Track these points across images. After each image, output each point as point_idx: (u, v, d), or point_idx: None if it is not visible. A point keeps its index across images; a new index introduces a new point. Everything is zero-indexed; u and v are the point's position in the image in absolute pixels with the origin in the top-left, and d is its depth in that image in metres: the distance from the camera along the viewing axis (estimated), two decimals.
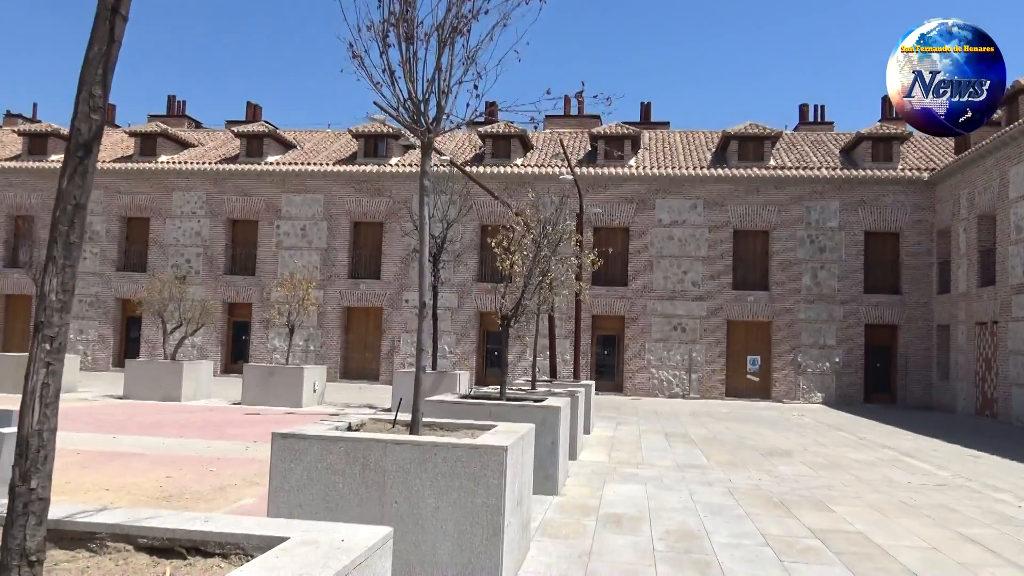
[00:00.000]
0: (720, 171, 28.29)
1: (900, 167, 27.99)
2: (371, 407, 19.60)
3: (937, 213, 27.14)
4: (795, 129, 34.02)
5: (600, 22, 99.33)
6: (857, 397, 27.16)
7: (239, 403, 19.01)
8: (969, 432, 18.59)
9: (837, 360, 27.33)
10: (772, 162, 28.89)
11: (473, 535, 4.84)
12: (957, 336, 25.11)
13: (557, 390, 12.45)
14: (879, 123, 29.38)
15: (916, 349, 27.12)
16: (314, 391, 19.38)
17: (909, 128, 27.84)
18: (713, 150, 30.67)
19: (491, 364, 29.61)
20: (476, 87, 5.85)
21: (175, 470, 9.31)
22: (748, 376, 28.00)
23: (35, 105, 38.33)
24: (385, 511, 4.87)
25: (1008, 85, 24.43)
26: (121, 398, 19.32)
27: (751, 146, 29.13)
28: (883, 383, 27.63)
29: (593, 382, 16.42)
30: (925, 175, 27.27)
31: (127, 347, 31.45)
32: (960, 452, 14.47)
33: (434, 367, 19.23)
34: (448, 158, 17.77)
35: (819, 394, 27.31)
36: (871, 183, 27.64)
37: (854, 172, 27.58)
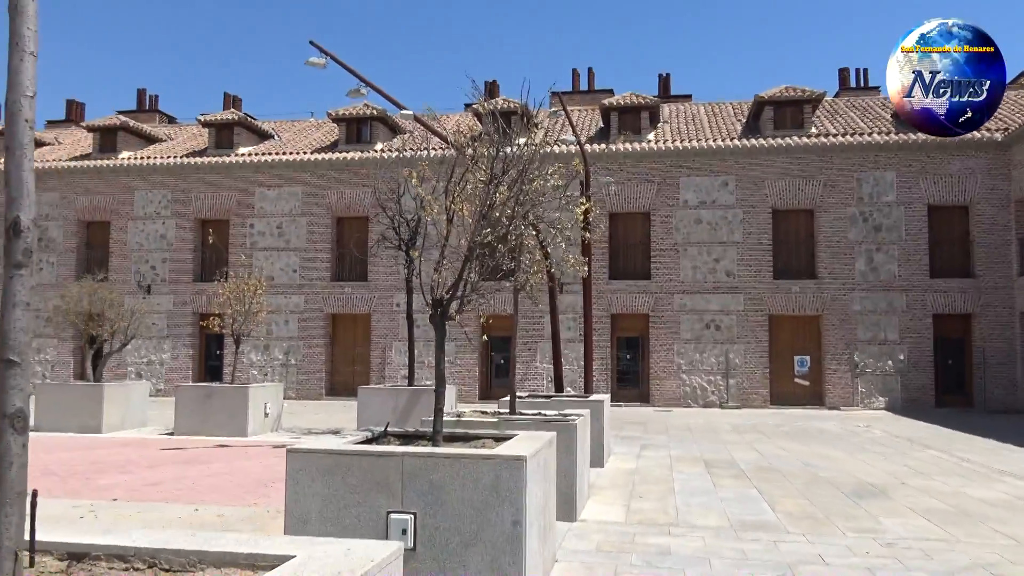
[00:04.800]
0: (754, 142, 24.31)
1: None
2: (336, 432, 15.87)
3: (1015, 180, 22.94)
4: (835, 96, 29.91)
5: None
6: (927, 401, 22.99)
7: (171, 433, 15.37)
8: None
9: (901, 358, 23.18)
10: (813, 130, 24.86)
11: None
12: None
13: (549, 414, 8.62)
14: None
15: (995, 341, 22.90)
16: (265, 415, 15.69)
17: None
18: (744, 120, 26.70)
19: (497, 375, 25.83)
20: None
21: None
22: (796, 380, 23.92)
23: None
24: None
25: None
26: (32, 430, 15.74)
27: (788, 112, 25.11)
28: (957, 383, 23.44)
29: (607, 396, 12.60)
30: (998, 136, 23.10)
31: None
32: None
33: (410, 382, 15.50)
34: (410, 112, 14.11)
35: (881, 398, 23.18)
36: (933, 149, 23.52)
37: (912, 137, 23.48)
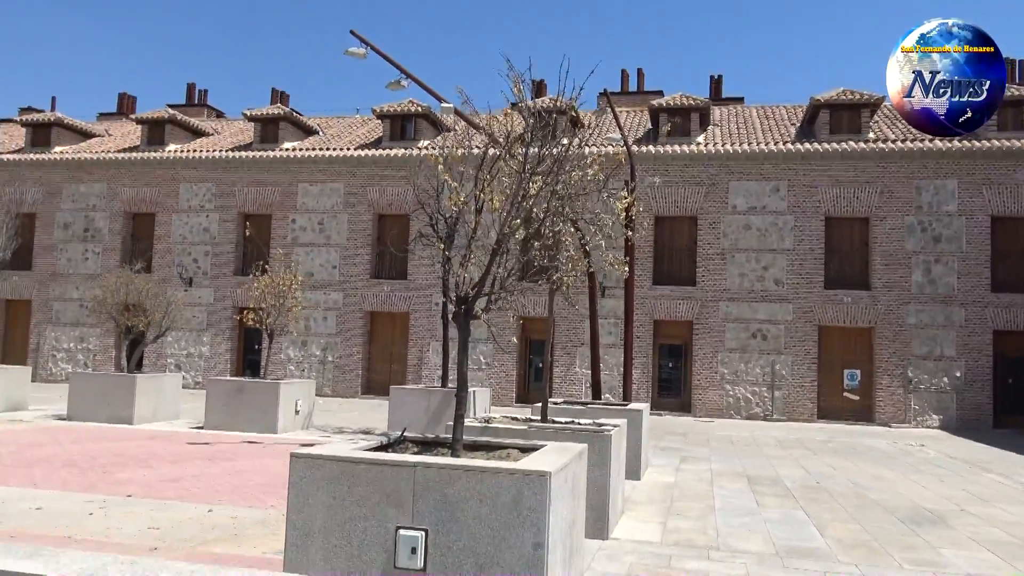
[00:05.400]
0: (807, 146, 23.47)
1: None
2: (367, 432, 15.57)
3: None
4: None
5: None
6: (984, 420, 21.92)
7: (201, 427, 15.19)
8: None
9: (958, 375, 22.14)
10: (871, 135, 23.93)
11: None
12: None
13: (582, 423, 8.13)
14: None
15: None
16: (296, 412, 15.43)
17: None
18: (797, 124, 25.84)
19: (536, 378, 25.33)
20: None
21: None
22: (845, 394, 23.02)
23: (54, 99, 35.78)
24: None
25: None
26: (65, 419, 15.71)
27: (845, 116, 24.20)
28: (1018, 402, 22.30)
29: (647, 405, 12.05)
30: None
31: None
32: None
33: (444, 383, 15.12)
34: (451, 105, 13.72)
35: (935, 416, 22.17)
36: (997, 156, 22.46)
37: (976, 143, 22.43)
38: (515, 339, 22.85)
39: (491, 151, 5.69)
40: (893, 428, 21.67)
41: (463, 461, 4.54)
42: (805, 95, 31.72)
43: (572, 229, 7.47)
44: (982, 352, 22.12)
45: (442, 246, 5.68)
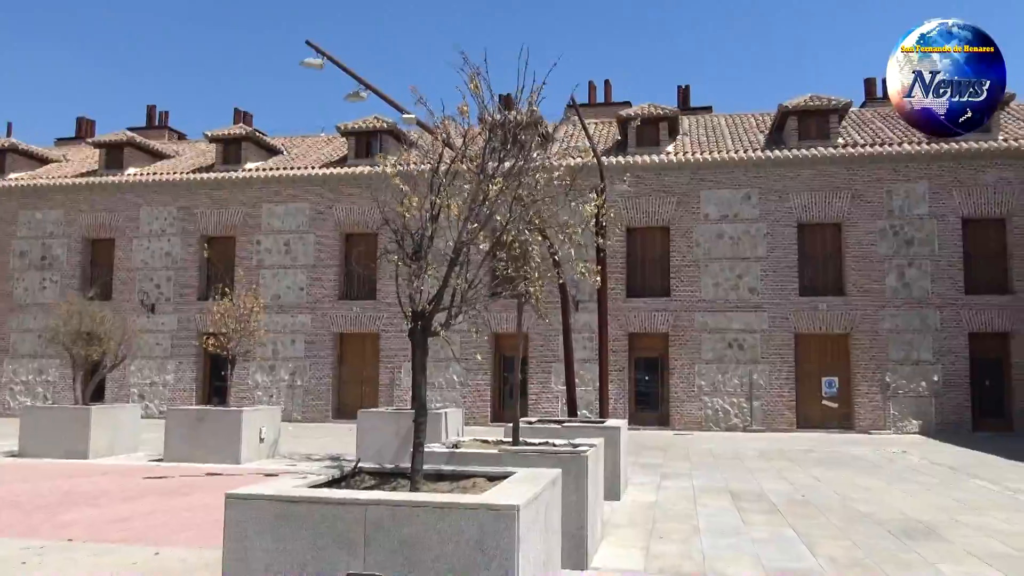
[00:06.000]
0: (777, 153, 23.32)
1: (1001, 137, 22.74)
2: (336, 458, 14.97)
3: None
4: (862, 106, 28.86)
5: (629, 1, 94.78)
6: (963, 424, 21.74)
7: (161, 460, 14.50)
8: None
9: (936, 379, 21.97)
10: (840, 140, 23.83)
11: None
12: None
13: (557, 444, 7.66)
14: None
15: None
16: (261, 440, 14.80)
17: (1012, 90, 22.68)
18: (767, 131, 25.72)
19: (512, 396, 24.81)
20: None
21: None
22: (824, 402, 22.75)
23: (9, 125, 34.74)
24: None
25: None
26: (16, 455, 14.94)
27: (814, 122, 24.10)
28: (995, 405, 22.18)
29: (624, 421, 11.62)
30: None
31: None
32: None
33: (413, 405, 14.56)
34: (413, 116, 13.28)
35: (915, 422, 21.96)
36: (966, 158, 22.44)
37: (944, 146, 22.38)
38: (479, 356, 22.42)
39: (447, 153, 5.28)
40: (872, 435, 21.43)
41: (420, 496, 4.06)
42: (773, 103, 31.76)
43: (540, 238, 7.06)
44: (958, 355, 21.98)
45: (396, 258, 5.20)
